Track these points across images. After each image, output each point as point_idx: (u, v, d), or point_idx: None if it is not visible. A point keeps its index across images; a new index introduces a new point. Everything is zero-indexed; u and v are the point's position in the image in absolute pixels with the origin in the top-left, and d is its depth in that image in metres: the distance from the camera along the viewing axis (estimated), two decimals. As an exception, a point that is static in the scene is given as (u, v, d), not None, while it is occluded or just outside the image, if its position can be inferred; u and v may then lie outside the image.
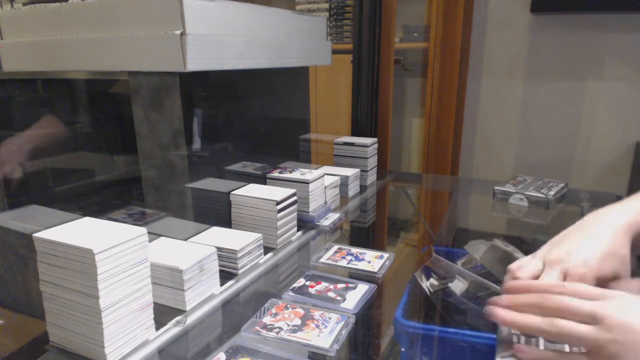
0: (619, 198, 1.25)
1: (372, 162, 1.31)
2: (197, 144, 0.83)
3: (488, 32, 2.05)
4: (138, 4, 0.72)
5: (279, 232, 0.87)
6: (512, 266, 0.58)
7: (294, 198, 0.90)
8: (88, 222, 0.58)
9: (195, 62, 0.71)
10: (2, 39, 0.89)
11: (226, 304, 0.70)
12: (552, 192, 1.15)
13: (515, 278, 0.56)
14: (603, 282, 0.53)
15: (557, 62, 1.94)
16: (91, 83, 1.04)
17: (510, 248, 0.79)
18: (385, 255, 0.86)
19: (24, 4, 0.90)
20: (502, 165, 2.14)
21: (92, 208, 1.05)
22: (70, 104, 1.07)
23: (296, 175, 0.98)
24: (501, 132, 2.11)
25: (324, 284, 0.75)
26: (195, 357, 0.59)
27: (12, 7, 0.98)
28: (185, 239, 0.77)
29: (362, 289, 0.74)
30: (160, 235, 0.75)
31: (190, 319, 0.64)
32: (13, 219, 0.86)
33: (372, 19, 1.42)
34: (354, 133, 1.52)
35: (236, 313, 0.69)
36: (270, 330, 0.62)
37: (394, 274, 0.83)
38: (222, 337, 0.63)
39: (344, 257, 0.85)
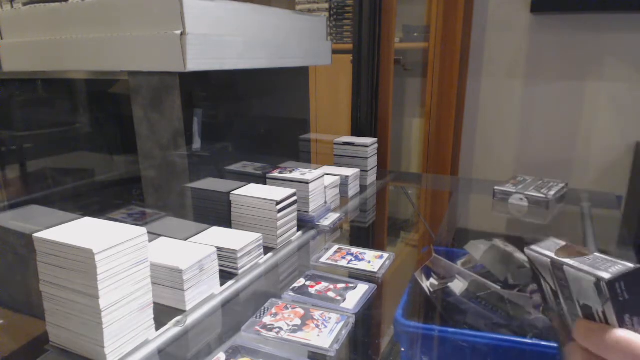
0: (619, 198, 1.25)
1: (372, 162, 1.31)
2: (197, 144, 0.83)
3: (488, 32, 2.05)
4: (138, 4, 0.72)
5: (279, 232, 0.87)
6: None
7: (294, 198, 0.90)
8: (88, 222, 0.58)
9: (195, 62, 0.71)
10: (2, 39, 0.89)
11: (226, 304, 0.70)
12: (552, 192, 1.15)
13: None
14: None
15: (557, 62, 1.94)
16: (91, 83, 1.04)
17: (510, 248, 0.79)
18: (385, 255, 0.86)
19: (24, 4, 0.90)
20: (502, 165, 2.14)
21: (92, 208, 1.05)
22: (70, 104, 1.07)
23: (296, 175, 0.98)
24: (501, 132, 2.11)
25: (324, 284, 0.75)
26: (195, 357, 0.59)
27: (12, 7, 0.98)
28: (185, 239, 0.77)
29: (362, 289, 0.74)
30: (160, 235, 0.75)
31: (190, 319, 0.64)
32: (13, 219, 0.87)
33: (372, 19, 1.42)
34: (354, 133, 1.52)
35: (236, 313, 0.69)
36: (270, 330, 0.62)
37: (394, 274, 0.83)
38: (222, 337, 0.63)
39: (344, 257, 0.85)
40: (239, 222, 0.89)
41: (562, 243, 0.43)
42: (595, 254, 0.39)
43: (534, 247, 0.44)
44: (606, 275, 0.36)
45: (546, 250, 0.42)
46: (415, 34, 2.14)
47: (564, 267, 0.39)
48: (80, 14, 0.78)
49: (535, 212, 1.13)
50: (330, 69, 2.00)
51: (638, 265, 0.36)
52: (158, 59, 0.72)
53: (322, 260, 0.85)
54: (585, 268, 0.37)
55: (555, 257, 0.40)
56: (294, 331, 0.62)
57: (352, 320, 0.65)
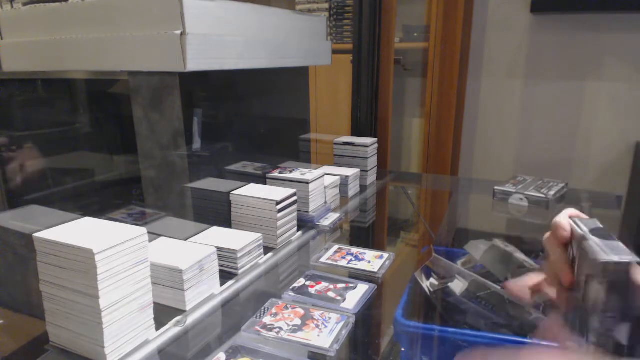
0: (619, 198, 1.25)
1: (372, 162, 1.31)
2: (197, 144, 0.83)
3: (488, 32, 2.05)
4: (138, 4, 0.72)
5: (279, 232, 0.87)
6: None
7: (294, 198, 0.90)
8: (88, 222, 0.58)
9: (195, 62, 0.71)
10: (2, 39, 0.89)
11: (226, 304, 0.70)
12: (552, 192, 1.15)
13: None
14: None
15: (557, 62, 1.94)
16: (91, 83, 1.04)
17: (510, 248, 0.79)
18: (385, 255, 0.86)
19: (24, 4, 0.90)
20: (502, 165, 2.13)
21: (92, 208, 1.05)
22: (70, 104, 1.07)
23: (296, 175, 0.98)
24: (501, 132, 2.11)
25: (324, 284, 0.75)
26: (195, 357, 0.59)
27: (12, 7, 0.98)
28: (185, 239, 0.77)
29: (362, 289, 0.74)
30: (160, 235, 0.75)
31: (190, 319, 0.64)
32: (13, 219, 0.87)
33: (372, 19, 1.42)
34: (354, 133, 1.52)
35: (236, 313, 0.69)
36: (270, 330, 0.62)
37: (394, 274, 0.83)
38: (222, 337, 0.63)
39: (344, 257, 0.85)
40: (239, 222, 0.89)
41: (601, 226, 0.51)
42: (619, 243, 0.47)
43: (578, 220, 0.53)
44: (605, 258, 0.44)
45: (585, 226, 0.51)
46: (415, 34, 2.14)
47: (584, 242, 0.48)
48: (80, 14, 0.78)
49: (535, 212, 1.13)
50: (330, 69, 2.00)
51: (628, 260, 0.44)
52: (158, 59, 0.72)
53: (322, 260, 0.85)
54: (596, 249, 0.46)
55: (588, 233, 0.49)
56: (294, 331, 0.62)
57: (352, 320, 0.65)
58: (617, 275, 0.44)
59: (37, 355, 0.57)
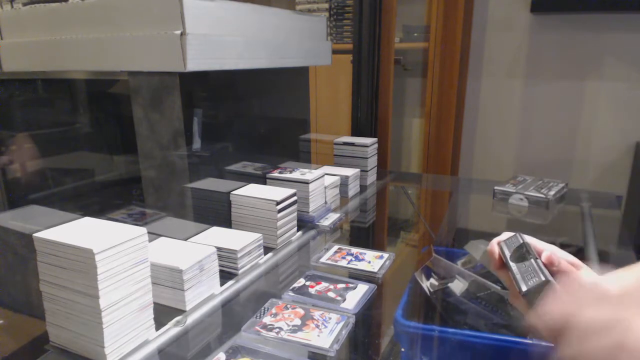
0: (619, 198, 1.25)
1: (372, 162, 1.31)
2: (197, 144, 0.83)
3: (488, 32, 2.05)
4: (138, 4, 0.72)
5: (279, 232, 0.87)
6: None
7: (294, 198, 0.90)
8: (88, 222, 0.58)
9: (195, 62, 0.71)
10: (2, 39, 0.89)
11: (226, 304, 0.70)
12: (552, 192, 1.15)
13: None
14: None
15: (557, 62, 1.94)
16: (91, 83, 1.04)
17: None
18: (385, 255, 0.86)
19: (24, 4, 0.90)
20: (502, 165, 2.13)
21: (92, 208, 1.05)
22: (70, 104, 1.07)
23: (296, 175, 0.98)
24: (501, 132, 2.11)
25: (324, 284, 0.75)
26: (195, 357, 0.59)
27: (12, 7, 0.98)
28: (185, 239, 0.77)
29: (362, 289, 0.74)
30: (160, 235, 0.75)
31: (190, 319, 0.64)
32: (13, 219, 0.87)
33: (372, 19, 1.42)
34: (354, 133, 1.52)
35: (236, 313, 0.69)
36: (270, 330, 0.62)
37: (394, 274, 0.83)
38: (222, 337, 0.63)
39: (344, 257, 0.85)
40: (239, 222, 0.89)
41: (521, 241, 0.53)
42: (532, 261, 0.50)
43: (502, 244, 0.55)
44: (524, 288, 0.48)
45: (507, 249, 0.53)
46: (415, 34, 2.14)
47: (509, 270, 0.51)
48: (80, 14, 0.78)
49: (535, 212, 1.13)
50: (330, 69, 2.00)
51: (546, 279, 0.47)
52: (158, 59, 0.72)
53: (322, 260, 0.85)
54: (518, 277, 0.49)
55: (508, 259, 0.52)
56: (294, 331, 0.62)
57: (352, 320, 0.65)
58: (539, 292, 0.47)
59: (37, 355, 0.57)
